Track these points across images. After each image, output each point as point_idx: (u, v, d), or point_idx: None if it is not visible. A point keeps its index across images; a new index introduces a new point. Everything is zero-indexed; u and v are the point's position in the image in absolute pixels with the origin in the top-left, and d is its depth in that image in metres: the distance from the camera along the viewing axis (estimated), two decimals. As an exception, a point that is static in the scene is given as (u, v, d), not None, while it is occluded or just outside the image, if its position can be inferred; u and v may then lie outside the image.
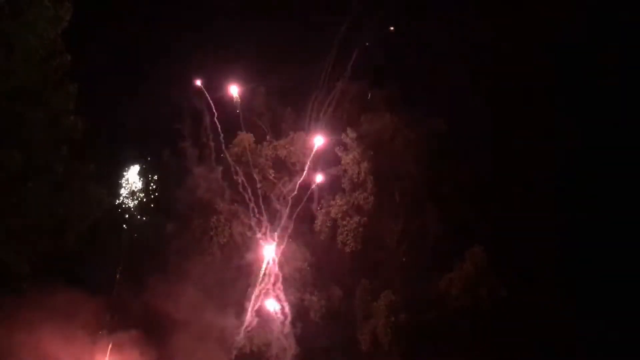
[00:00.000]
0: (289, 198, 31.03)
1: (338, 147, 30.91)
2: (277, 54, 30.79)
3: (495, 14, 30.04)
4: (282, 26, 31.02)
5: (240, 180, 30.98)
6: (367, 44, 30.77)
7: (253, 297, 30.04)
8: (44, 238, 20.66)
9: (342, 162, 30.88)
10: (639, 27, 28.05)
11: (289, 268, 30.05)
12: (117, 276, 28.64)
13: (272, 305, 29.90)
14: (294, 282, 29.90)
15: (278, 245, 30.49)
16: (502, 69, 29.46)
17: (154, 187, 31.57)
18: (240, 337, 29.48)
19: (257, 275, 30.01)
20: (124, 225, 29.92)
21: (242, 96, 30.95)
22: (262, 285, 30.21)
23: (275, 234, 30.61)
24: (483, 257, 28.62)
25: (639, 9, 27.85)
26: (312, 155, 30.62)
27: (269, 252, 29.95)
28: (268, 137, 31.84)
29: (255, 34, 31.00)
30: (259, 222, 30.76)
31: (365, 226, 30.22)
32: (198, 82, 29.84)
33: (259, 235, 30.61)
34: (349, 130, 30.89)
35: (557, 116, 28.84)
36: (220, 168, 31.00)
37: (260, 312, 29.99)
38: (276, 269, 29.80)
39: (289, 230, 30.97)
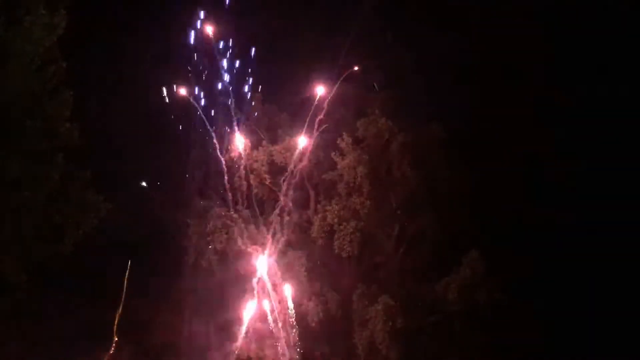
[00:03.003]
0: (285, 202, 31.16)
1: (334, 152, 30.93)
2: (273, 58, 30.85)
3: (493, 16, 30.14)
4: (278, 31, 31.10)
5: (236, 186, 31.08)
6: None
7: (250, 304, 30.08)
8: (41, 246, 20.51)
9: (339, 166, 30.89)
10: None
11: (285, 274, 30.06)
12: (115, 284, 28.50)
13: (269, 312, 29.96)
14: (291, 288, 29.87)
15: (274, 250, 30.58)
16: (500, 72, 29.53)
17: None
18: (238, 344, 29.48)
19: (254, 280, 30.09)
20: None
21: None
22: (259, 291, 30.28)
23: (271, 240, 30.70)
24: (480, 261, 28.69)
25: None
26: (297, 154, 30.61)
27: (262, 262, 30.05)
28: (264, 142, 31.83)
29: (251, 38, 31.08)
30: (256, 228, 30.84)
31: (362, 231, 30.22)
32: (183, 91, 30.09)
33: (255, 240, 30.76)
34: (344, 134, 30.94)
35: (557, 120, 28.93)
36: (217, 173, 31.08)
37: (257, 319, 30.02)
38: (274, 275, 29.81)
39: (285, 236, 31.05)
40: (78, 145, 20.85)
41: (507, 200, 29.00)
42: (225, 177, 31.41)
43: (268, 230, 31.03)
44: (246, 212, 31.24)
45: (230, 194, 31.48)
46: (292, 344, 29.31)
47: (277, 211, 30.94)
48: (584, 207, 28.03)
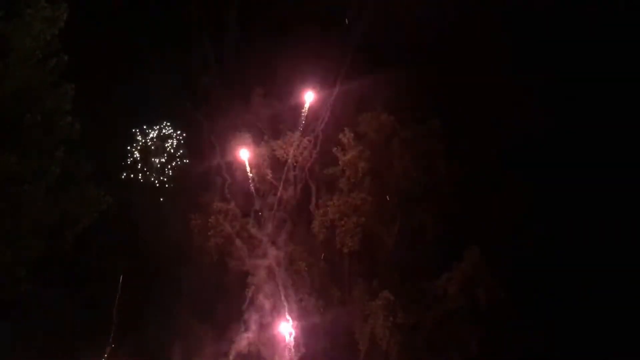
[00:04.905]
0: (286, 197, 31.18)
1: (336, 147, 30.86)
2: (274, 54, 30.77)
3: (492, 14, 30.05)
4: (278, 27, 31.02)
5: (238, 181, 31.08)
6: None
7: (250, 299, 30.12)
8: (41, 240, 20.48)
9: (340, 162, 30.82)
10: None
11: (287, 269, 30.08)
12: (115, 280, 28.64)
13: (270, 305, 30.01)
14: (292, 283, 29.88)
15: (275, 245, 30.61)
16: (499, 69, 29.42)
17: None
18: (239, 339, 29.53)
19: (255, 275, 30.12)
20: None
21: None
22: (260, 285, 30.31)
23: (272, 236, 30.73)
24: (480, 257, 28.66)
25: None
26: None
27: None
28: (265, 137, 31.78)
29: (252, 34, 31.01)
30: (257, 222, 30.85)
31: (363, 226, 30.18)
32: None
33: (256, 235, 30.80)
34: (346, 130, 30.87)
35: (559, 118, 28.84)
36: (218, 169, 31.14)
37: (258, 312, 30.07)
38: (274, 270, 29.88)
39: (287, 231, 31.06)
40: (79, 138, 20.80)
41: (508, 196, 28.93)
42: (227, 172, 31.47)
43: (269, 225, 30.97)
44: (247, 207, 31.21)
45: (232, 189, 31.49)
46: (292, 339, 29.34)
47: (278, 206, 30.91)
48: (585, 204, 27.97)
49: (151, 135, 31.41)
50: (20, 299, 21.06)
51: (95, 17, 27.68)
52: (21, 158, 19.24)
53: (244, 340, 29.63)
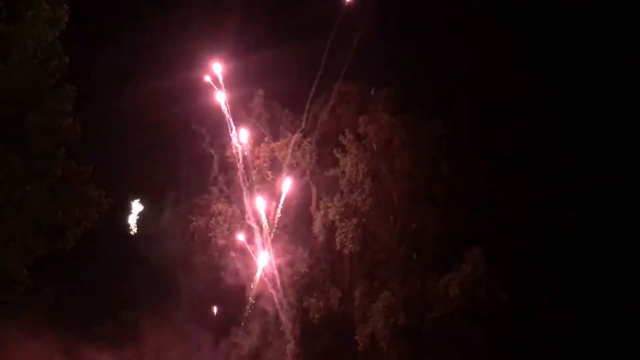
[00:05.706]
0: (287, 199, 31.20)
1: (336, 149, 30.87)
2: (275, 55, 30.76)
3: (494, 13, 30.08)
4: (279, 26, 31.05)
5: (238, 182, 31.10)
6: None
7: (251, 299, 30.14)
8: (42, 241, 20.49)
9: (340, 163, 30.85)
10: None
11: (287, 270, 30.10)
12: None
13: (271, 307, 30.02)
14: (292, 284, 29.89)
15: (275, 247, 30.61)
16: (502, 69, 29.44)
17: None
18: (239, 340, 29.53)
19: (255, 276, 30.12)
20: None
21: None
22: (261, 287, 30.32)
23: (271, 236, 30.71)
24: (482, 258, 28.59)
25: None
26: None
27: (263, 256, 30.13)
28: (266, 139, 31.82)
29: (253, 34, 31.05)
30: (257, 224, 30.85)
31: (363, 228, 30.19)
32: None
33: (256, 236, 30.81)
34: (346, 131, 30.88)
35: (560, 117, 28.87)
36: (219, 170, 31.18)
37: (258, 314, 30.09)
38: (274, 271, 29.87)
39: (287, 232, 31.08)
40: (80, 140, 20.80)
41: (509, 196, 28.94)
42: (227, 174, 31.51)
43: (270, 226, 30.98)
44: (248, 208, 31.22)
45: (231, 191, 31.52)
46: (293, 339, 29.36)
47: (278, 207, 30.92)
48: (586, 204, 27.97)
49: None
50: (21, 299, 21.04)
51: (97, 18, 27.72)
52: (23, 159, 19.28)
53: (245, 344, 29.67)
